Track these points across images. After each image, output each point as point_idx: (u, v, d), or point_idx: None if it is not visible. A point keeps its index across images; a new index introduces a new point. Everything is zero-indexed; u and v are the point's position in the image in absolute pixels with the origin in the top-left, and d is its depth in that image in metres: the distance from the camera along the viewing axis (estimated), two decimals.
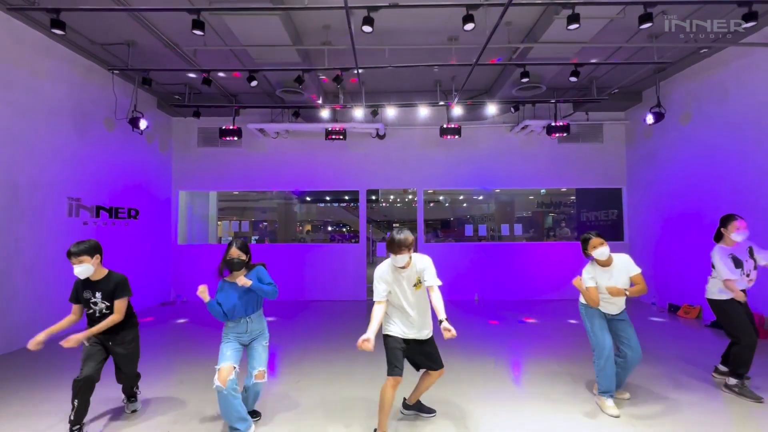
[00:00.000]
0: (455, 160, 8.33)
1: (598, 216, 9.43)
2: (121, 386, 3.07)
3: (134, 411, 3.12)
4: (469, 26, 3.93)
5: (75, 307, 2.87)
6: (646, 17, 3.94)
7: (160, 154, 7.96)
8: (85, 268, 2.73)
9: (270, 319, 6.46)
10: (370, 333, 2.43)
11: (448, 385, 3.55)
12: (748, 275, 3.31)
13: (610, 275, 3.02)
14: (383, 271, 2.65)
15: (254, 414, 2.93)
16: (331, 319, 6.39)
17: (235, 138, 7.31)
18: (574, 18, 3.90)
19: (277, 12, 4.35)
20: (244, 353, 2.83)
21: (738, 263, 3.29)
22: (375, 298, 2.64)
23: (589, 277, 3.05)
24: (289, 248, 8.78)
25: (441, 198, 18.21)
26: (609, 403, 3.02)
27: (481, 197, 17.17)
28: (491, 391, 3.47)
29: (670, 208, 7.07)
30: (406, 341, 2.69)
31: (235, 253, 2.74)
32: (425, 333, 2.72)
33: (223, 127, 7.27)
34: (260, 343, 2.83)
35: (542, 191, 14.30)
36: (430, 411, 3.02)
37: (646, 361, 4.19)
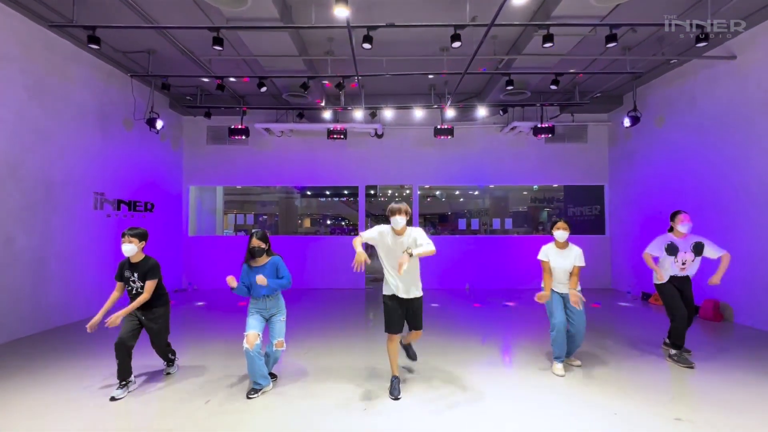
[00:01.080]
0: (448, 159, 8.89)
1: (583, 211, 10.01)
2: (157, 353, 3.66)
3: (168, 374, 3.72)
4: (456, 44, 4.47)
5: (119, 285, 3.42)
6: (611, 37, 4.49)
7: (172, 152, 8.50)
8: (130, 248, 3.31)
9: None
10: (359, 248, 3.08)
11: (443, 355, 4.16)
12: (683, 263, 3.88)
13: (563, 257, 3.71)
14: (382, 228, 3.25)
15: (272, 376, 3.53)
16: (331, 306, 7.00)
17: (243, 137, 7.85)
18: (548, 38, 4.44)
19: (287, 29, 4.88)
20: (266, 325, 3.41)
21: (672, 251, 3.89)
22: (360, 233, 3.30)
23: (543, 253, 3.78)
24: (290, 240, 9.37)
25: (437, 193, 18.76)
26: (558, 366, 3.70)
27: (476, 192, 17.72)
28: (477, 360, 4.08)
29: (646, 204, 7.67)
30: (398, 300, 3.23)
31: (256, 242, 3.30)
32: (413, 293, 3.24)
33: (232, 127, 7.81)
34: (278, 319, 3.39)
35: (534, 187, 14.87)
36: (413, 356, 3.68)
37: (609, 337, 4.82)
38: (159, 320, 3.47)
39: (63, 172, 5.63)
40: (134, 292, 3.35)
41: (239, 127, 7.81)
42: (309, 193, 17.09)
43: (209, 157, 8.97)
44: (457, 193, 18.82)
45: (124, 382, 3.27)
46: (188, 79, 7.24)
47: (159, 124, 6.96)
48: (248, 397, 3.18)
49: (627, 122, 7.14)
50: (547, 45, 4.50)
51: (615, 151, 8.67)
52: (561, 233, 3.71)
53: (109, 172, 6.53)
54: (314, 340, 4.86)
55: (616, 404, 3.07)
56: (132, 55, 6.25)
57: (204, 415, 2.92)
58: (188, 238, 8.92)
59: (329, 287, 8.73)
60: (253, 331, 3.20)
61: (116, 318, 3.21)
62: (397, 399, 3.15)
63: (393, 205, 3.18)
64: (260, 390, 3.26)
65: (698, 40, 4.49)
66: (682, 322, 3.82)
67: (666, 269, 3.94)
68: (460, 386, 3.44)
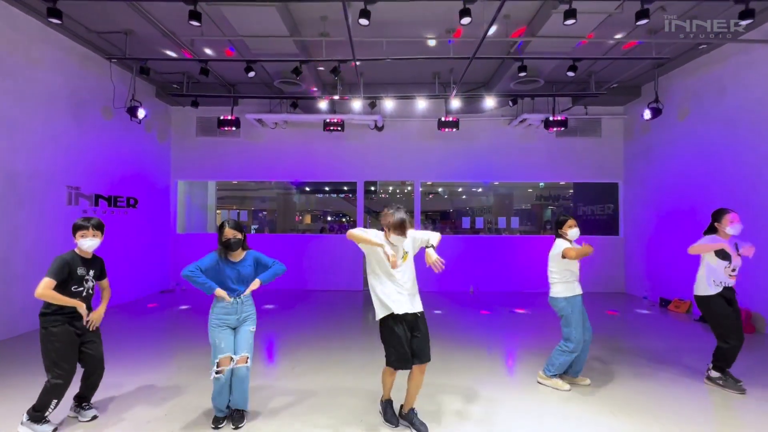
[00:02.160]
0: (453, 153, 8.35)
1: (594, 210, 9.47)
2: (80, 388, 2.84)
3: (95, 417, 2.84)
4: (466, 20, 3.93)
5: (54, 284, 2.55)
6: (642, 13, 3.94)
7: (158, 144, 7.98)
8: (95, 243, 2.74)
9: (269, 306, 6.59)
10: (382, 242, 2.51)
11: (446, 372, 3.65)
12: (734, 270, 3.35)
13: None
14: (378, 233, 2.63)
15: (238, 416, 2.73)
16: (327, 308, 6.50)
17: (234, 128, 7.32)
18: (570, 13, 3.90)
19: (274, 3, 4.34)
20: None
21: (726, 256, 3.35)
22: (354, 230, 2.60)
23: (565, 245, 3.34)
24: (287, 238, 8.86)
25: (440, 190, 18.24)
26: (560, 381, 3.38)
27: (480, 189, 17.20)
28: (483, 378, 3.57)
29: (664, 203, 7.12)
30: (401, 319, 2.58)
31: (230, 233, 2.72)
32: (417, 304, 2.65)
33: (222, 117, 7.27)
34: (248, 328, 2.76)
35: (541, 185, 14.33)
36: (421, 427, 2.62)
37: (632, 351, 4.30)
38: (99, 334, 2.86)
39: (30, 163, 5.12)
40: (85, 294, 2.73)
41: (229, 117, 7.28)
42: (307, 188, 16.60)
43: (199, 150, 8.44)
44: (460, 189, 18.31)
45: (46, 420, 2.63)
46: (173, 65, 6.71)
47: (141, 113, 6.43)
48: (217, 428, 2.66)
49: (647, 114, 6.58)
50: (570, 22, 3.95)
51: (631, 147, 8.11)
52: (576, 231, 3.36)
53: (85, 165, 6.01)
54: (305, 350, 4.35)
55: None
56: (108, 36, 5.71)
57: None
58: (176, 236, 8.41)
59: (326, 289, 8.23)
60: (225, 356, 2.61)
61: (99, 317, 2.80)
62: (397, 426, 2.66)
63: (396, 219, 2.51)
64: (224, 417, 2.73)
65: (742, 15, 3.93)
66: (738, 349, 3.28)
67: (717, 277, 3.36)
68: (466, 412, 2.92)
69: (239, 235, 2.75)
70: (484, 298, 7.48)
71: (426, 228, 12.01)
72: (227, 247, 2.73)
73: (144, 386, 3.42)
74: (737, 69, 5.62)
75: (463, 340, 4.73)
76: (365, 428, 2.72)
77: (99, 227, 2.77)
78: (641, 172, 7.78)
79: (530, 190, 16.91)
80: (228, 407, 2.74)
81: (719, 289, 3.34)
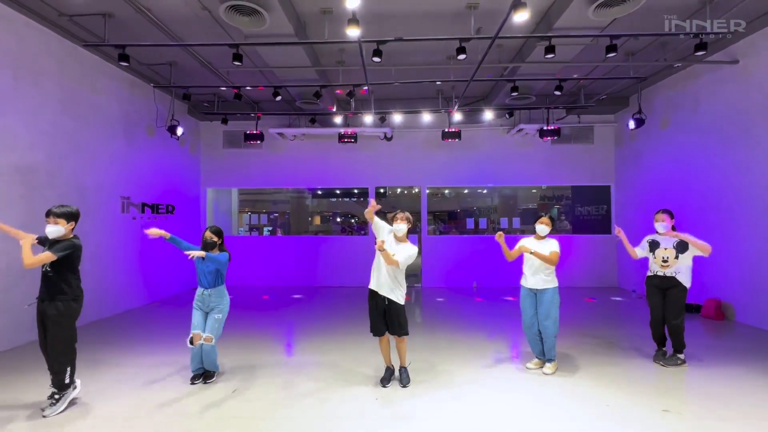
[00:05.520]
0: (456, 160, 9.11)
1: (590, 210, 10.13)
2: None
3: (44, 416, 2.98)
4: (462, 56, 4.71)
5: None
6: (611, 48, 4.67)
7: (190, 156, 8.90)
8: (55, 230, 3.03)
9: (297, 296, 7.53)
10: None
11: (449, 350, 4.43)
12: (665, 261, 3.96)
13: (540, 245, 3.95)
14: (387, 226, 3.55)
15: (208, 375, 3.55)
16: (341, 302, 7.33)
17: (258, 141, 8.19)
18: (550, 49, 4.65)
19: (302, 44, 5.17)
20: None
21: (653, 247, 4.09)
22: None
23: (521, 241, 4.04)
24: (302, 240, 9.71)
25: (446, 192, 18.95)
26: (533, 361, 3.99)
27: (485, 191, 17.84)
28: (474, 356, 4.35)
29: (650, 205, 7.78)
30: (381, 299, 3.43)
31: (208, 235, 3.55)
32: (394, 295, 3.42)
33: (248, 132, 8.15)
34: (213, 315, 3.49)
35: (543, 186, 14.95)
36: (404, 380, 3.53)
37: (606, 333, 5.04)
38: (57, 317, 3.02)
39: (94, 178, 6.04)
40: (44, 269, 3.00)
41: (254, 132, 8.14)
42: (320, 192, 17.38)
43: (225, 161, 9.34)
44: (466, 191, 18.98)
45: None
46: (206, 88, 7.59)
47: (179, 130, 7.34)
48: (192, 383, 3.47)
49: (632, 124, 7.26)
50: (550, 56, 4.70)
51: (621, 152, 8.78)
52: (541, 228, 3.90)
53: (134, 177, 6.93)
54: (320, 336, 5.17)
55: (608, 397, 3.31)
56: (154, 67, 6.61)
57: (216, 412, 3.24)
58: None
59: (339, 285, 9.04)
60: (197, 332, 3.41)
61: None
62: (384, 387, 3.44)
63: (398, 212, 3.52)
64: (197, 375, 3.52)
65: (697, 48, 4.64)
66: (651, 322, 4.07)
67: (650, 266, 4.13)
68: (459, 381, 3.71)
69: (215, 238, 3.55)
70: (486, 292, 8.23)
71: (431, 230, 12.68)
72: (203, 245, 3.52)
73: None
74: (709, 85, 6.29)
75: (464, 329, 5.51)
76: (371, 387, 3.53)
77: (62, 215, 3.05)
78: (630, 175, 8.45)
79: (534, 191, 17.47)
80: (202, 369, 3.54)
81: (650, 274, 4.09)
